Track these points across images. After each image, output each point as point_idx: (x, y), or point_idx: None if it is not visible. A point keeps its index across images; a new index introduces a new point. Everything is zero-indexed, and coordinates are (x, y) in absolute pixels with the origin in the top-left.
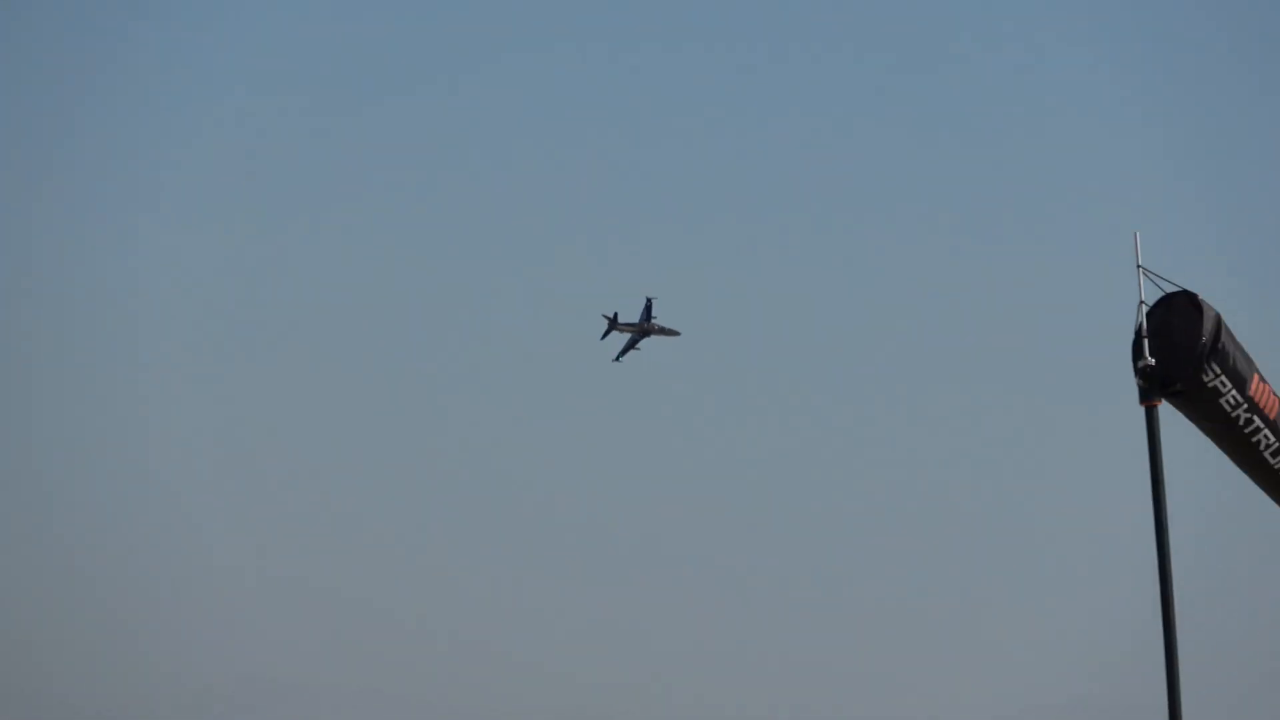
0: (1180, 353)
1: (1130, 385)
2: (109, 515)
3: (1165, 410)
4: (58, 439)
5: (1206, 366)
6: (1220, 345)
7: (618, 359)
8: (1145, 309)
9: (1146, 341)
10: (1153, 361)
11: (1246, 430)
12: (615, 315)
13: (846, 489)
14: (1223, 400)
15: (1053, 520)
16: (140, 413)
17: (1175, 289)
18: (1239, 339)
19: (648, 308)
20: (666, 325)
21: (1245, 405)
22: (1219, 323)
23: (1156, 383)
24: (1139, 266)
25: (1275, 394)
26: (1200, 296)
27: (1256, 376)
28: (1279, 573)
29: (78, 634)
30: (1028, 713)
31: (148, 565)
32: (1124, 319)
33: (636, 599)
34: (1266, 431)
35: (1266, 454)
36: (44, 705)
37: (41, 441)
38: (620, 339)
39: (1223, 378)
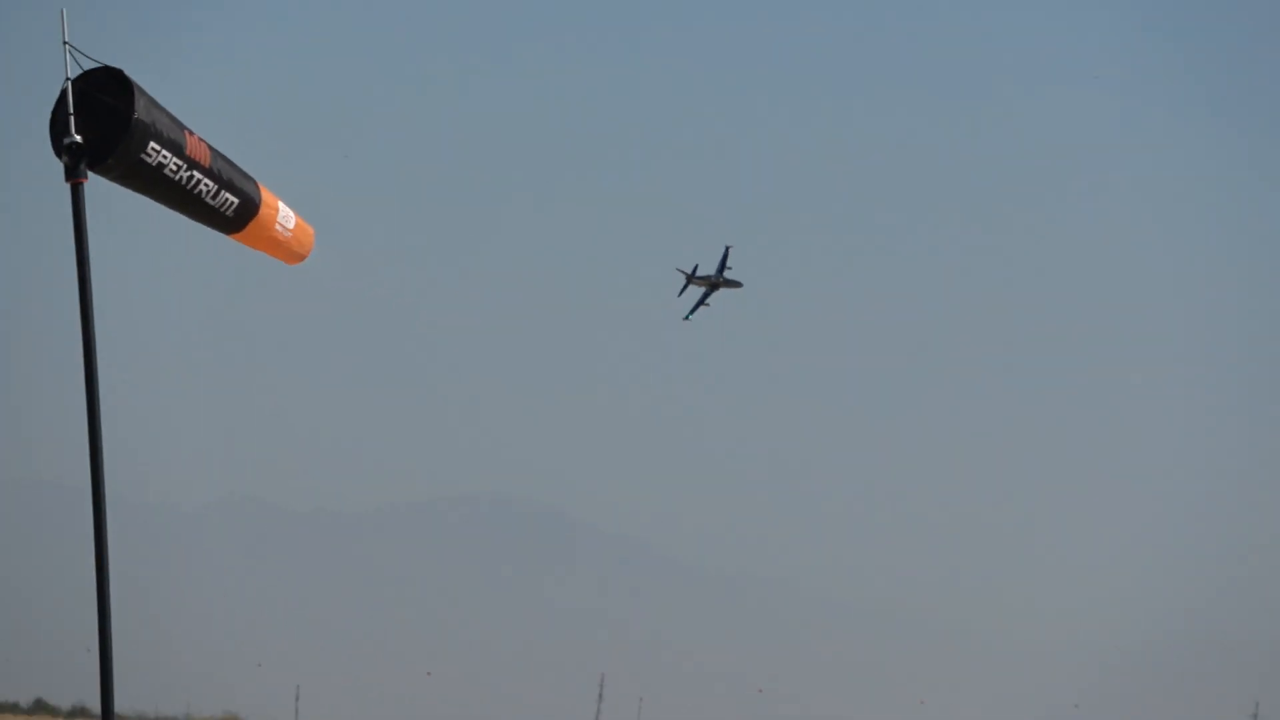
0: (113, 130)
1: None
2: None
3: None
4: None
5: (147, 144)
6: (154, 123)
7: (688, 317)
8: (70, 84)
9: (72, 119)
10: (79, 139)
11: (189, 185)
12: (695, 269)
13: None
14: (166, 170)
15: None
16: None
17: (99, 65)
18: (166, 106)
19: (725, 257)
20: (731, 277)
21: (186, 165)
22: (149, 99)
23: (84, 160)
24: (65, 43)
25: (204, 142)
26: (126, 73)
27: (187, 133)
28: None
29: None
30: None
31: None
32: (51, 97)
33: None
34: (205, 180)
35: (208, 199)
36: None
37: None
38: (693, 293)
39: (164, 152)
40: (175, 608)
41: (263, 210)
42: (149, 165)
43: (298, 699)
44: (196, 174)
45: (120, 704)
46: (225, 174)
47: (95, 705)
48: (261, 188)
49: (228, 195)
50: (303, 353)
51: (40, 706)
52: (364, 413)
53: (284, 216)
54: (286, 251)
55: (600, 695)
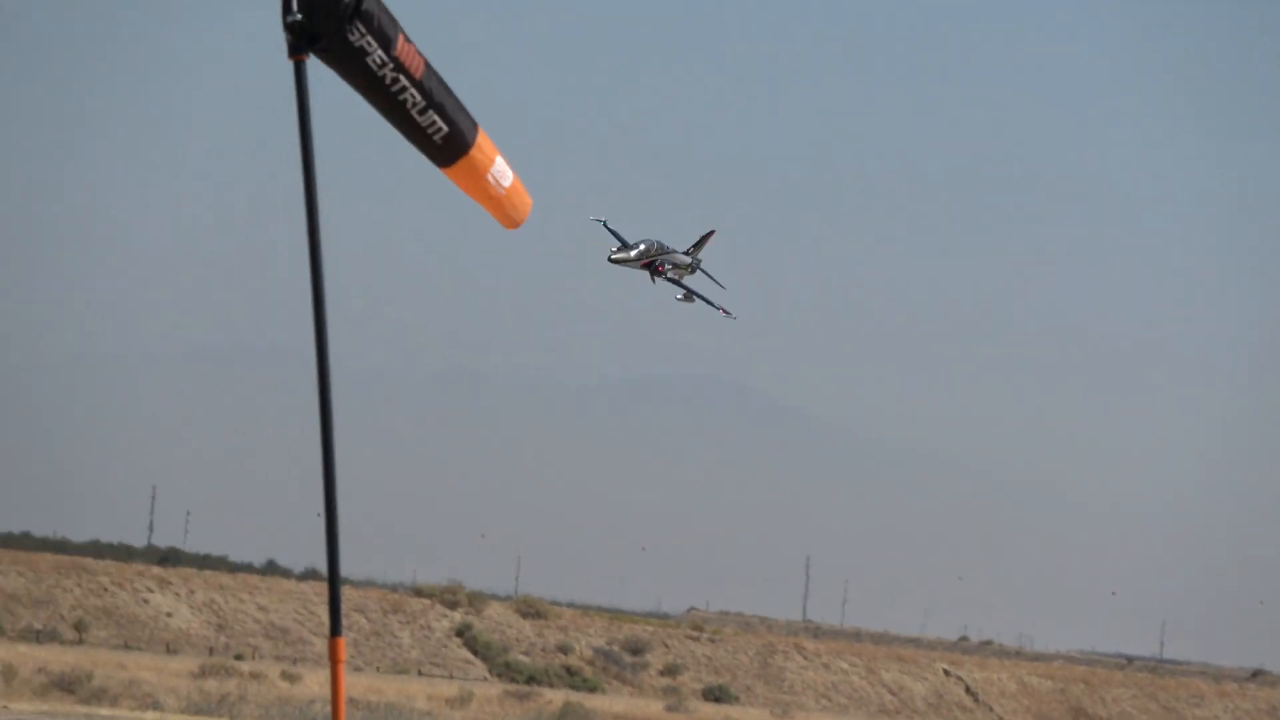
0: (325, 10)
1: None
2: None
3: (316, 64)
4: None
5: (351, 27)
6: (365, 7)
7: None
8: None
9: None
10: (300, 16)
11: (394, 89)
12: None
13: None
14: (369, 59)
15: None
16: None
17: None
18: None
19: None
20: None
21: (391, 65)
22: None
23: (304, 38)
24: None
25: (419, 54)
26: None
27: (402, 37)
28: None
29: None
30: None
31: None
32: None
33: None
34: (412, 90)
35: (413, 112)
36: None
37: None
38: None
39: (369, 38)
40: (402, 476)
41: (475, 153)
42: (353, 48)
43: (519, 569)
44: (403, 79)
45: (349, 569)
46: (437, 95)
47: (324, 569)
48: (482, 134)
49: (435, 117)
50: (520, 234)
51: (273, 568)
52: (581, 292)
53: (499, 171)
54: (500, 210)
55: (807, 574)
